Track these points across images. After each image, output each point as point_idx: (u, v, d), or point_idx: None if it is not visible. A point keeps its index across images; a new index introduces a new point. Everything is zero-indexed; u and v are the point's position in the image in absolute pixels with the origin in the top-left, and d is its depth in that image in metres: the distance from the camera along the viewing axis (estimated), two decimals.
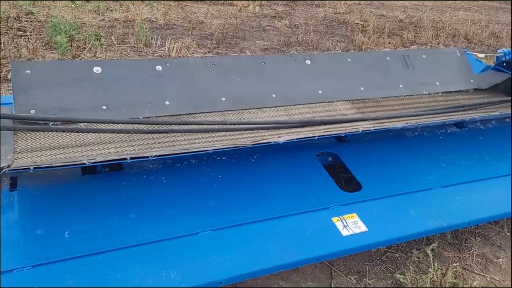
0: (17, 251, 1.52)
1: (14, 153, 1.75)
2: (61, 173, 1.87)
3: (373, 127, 2.18)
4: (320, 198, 1.98)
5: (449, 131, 2.68)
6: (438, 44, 6.34)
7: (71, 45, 4.50)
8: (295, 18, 6.96)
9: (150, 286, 1.47)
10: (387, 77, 2.76)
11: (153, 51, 4.84)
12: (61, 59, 4.24)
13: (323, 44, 5.76)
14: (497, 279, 2.20)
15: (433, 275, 2.05)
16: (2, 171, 1.58)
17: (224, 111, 2.30)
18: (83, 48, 4.58)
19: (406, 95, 2.74)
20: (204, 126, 2.09)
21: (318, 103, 2.50)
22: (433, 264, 2.10)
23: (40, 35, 4.78)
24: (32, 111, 1.94)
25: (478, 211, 2.08)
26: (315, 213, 1.90)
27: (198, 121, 2.17)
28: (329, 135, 2.15)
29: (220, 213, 1.83)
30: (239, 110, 2.33)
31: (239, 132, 2.11)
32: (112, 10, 5.95)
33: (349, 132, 2.16)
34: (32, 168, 1.61)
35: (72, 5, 5.84)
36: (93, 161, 1.68)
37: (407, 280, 2.06)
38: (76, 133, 1.92)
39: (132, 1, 6.28)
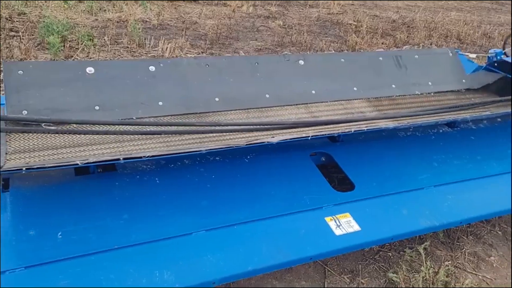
0: (9, 252, 1.51)
1: (6, 153, 1.75)
2: (54, 174, 1.86)
3: (366, 127, 2.20)
4: (313, 198, 1.99)
5: (441, 131, 2.70)
6: (431, 44, 6.38)
7: (64, 46, 4.48)
8: (288, 18, 6.97)
9: (143, 287, 1.47)
10: (380, 77, 2.78)
11: (146, 52, 4.83)
12: (54, 59, 4.22)
13: (316, 44, 5.77)
14: (488, 277, 2.23)
15: (426, 273, 2.07)
16: None
17: (218, 111, 2.30)
18: (76, 48, 4.56)
19: (399, 95, 2.76)
20: (198, 127, 2.09)
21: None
22: (426, 263, 2.11)
23: (33, 35, 4.76)
24: (25, 112, 1.93)
25: (470, 210, 2.09)
26: (308, 212, 1.91)
27: (192, 122, 2.17)
28: (322, 135, 2.16)
29: (213, 213, 1.83)
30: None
31: (236, 133, 2.11)
32: (105, 10, 5.92)
33: (342, 132, 2.17)
34: (24, 169, 1.60)
35: (65, 6, 5.81)
36: (86, 161, 1.68)
37: (399, 279, 2.08)
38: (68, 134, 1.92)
39: (126, 1, 6.27)
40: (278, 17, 6.93)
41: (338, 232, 1.81)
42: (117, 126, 1.99)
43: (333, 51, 5.40)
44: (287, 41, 5.77)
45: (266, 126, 2.19)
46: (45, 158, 1.77)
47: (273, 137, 2.00)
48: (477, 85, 3.00)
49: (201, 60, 2.42)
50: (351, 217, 1.89)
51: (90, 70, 2.13)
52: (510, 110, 2.65)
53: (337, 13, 7.62)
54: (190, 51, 5.03)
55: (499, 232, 2.53)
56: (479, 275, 2.23)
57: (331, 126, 2.27)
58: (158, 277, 1.51)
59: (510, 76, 2.91)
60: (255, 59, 2.52)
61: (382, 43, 6.08)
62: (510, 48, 3.03)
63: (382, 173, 2.25)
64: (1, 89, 3.54)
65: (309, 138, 2.06)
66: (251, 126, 2.17)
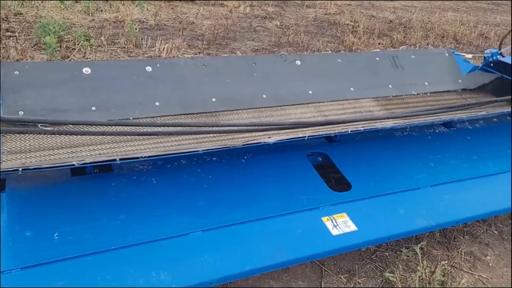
0: (5, 253, 1.51)
1: (2, 154, 1.74)
2: (50, 175, 1.86)
3: (363, 127, 2.20)
4: (310, 198, 1.99)
5: (437, 131, 2.71)
6: (427, 44, 6.40)
7: (60, 46, 4.46)
8: (285, 18, 6.98)
9: (140, 287, 1.47)
10: (376, 77, 2.79)
11: (143, 52, 4.82)
12: (50, 60, 4.20)
13: (313, 44, 5.78)
14: (485, 276, 2.23)
15: (422, 273, 2.07)
16: None
17: (215, 111, 2.30)
18: (73, 49, 4.55)
19: (395, 95, 2.77)
20: (195, 128, 2.09)
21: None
22: (422, 263, 2.12)
23: (29, 35, 4.74)
24: (21, 113, 1.93)
25: (466, 209, 2.10)
26: (305, 213, 1.91)
27: (189, 122, 2.17)
28: (319, 135, 2.17)
29: (210, 213, 1.83)
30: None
31: (232, 133, 2.11)
32: (102, 10, 5.91)
33: (338, 132, 2.18)
34: (20, 169, 1.60)
35: (62, 6, 5.79)
36: (83, 162, 1.68)
37: (396, 278, 2.08)
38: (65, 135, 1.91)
39: (122, 1, 6.25)
40: (275, 18, 6.93)
41: (335, 232, 1.81)
42: (113, 126, 1.99)
43: (330, 52, 5.41)
44: (284, 41, 5.77)
45: (263, 127, 2.19)
46: (41, 159, 1.76)
47: (270, 137, 2.00)
48: (473, 85, 3.02)
49: (198, 61, 2.43)
50: (348, 217, 1.90)
51: (86, 70, 2.12)
52: (505, 110, 2.66)
53: (334, 14, 7.63)
54: (187, 51, 5.02)
55: (495, 232, 2.54)
56: (475, 274, 2.24)
57: (328, 126, 2.28)
58: (155, 277, 1.51)
59: (507, 77, 2.92)
60: (252, 60, 2.52)
61: (379, 44, 6.10)
62: (506, 48, 3.05)
63: (378, 173, 2.25)
64: None
65: (306, 138, 2.06)
66: (248, 127, 2.17)
